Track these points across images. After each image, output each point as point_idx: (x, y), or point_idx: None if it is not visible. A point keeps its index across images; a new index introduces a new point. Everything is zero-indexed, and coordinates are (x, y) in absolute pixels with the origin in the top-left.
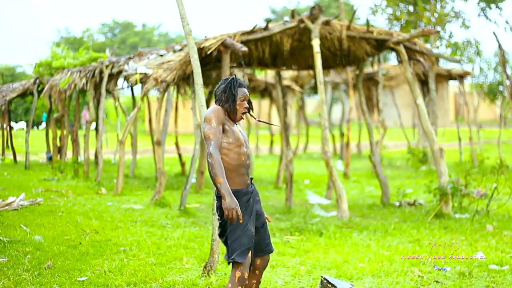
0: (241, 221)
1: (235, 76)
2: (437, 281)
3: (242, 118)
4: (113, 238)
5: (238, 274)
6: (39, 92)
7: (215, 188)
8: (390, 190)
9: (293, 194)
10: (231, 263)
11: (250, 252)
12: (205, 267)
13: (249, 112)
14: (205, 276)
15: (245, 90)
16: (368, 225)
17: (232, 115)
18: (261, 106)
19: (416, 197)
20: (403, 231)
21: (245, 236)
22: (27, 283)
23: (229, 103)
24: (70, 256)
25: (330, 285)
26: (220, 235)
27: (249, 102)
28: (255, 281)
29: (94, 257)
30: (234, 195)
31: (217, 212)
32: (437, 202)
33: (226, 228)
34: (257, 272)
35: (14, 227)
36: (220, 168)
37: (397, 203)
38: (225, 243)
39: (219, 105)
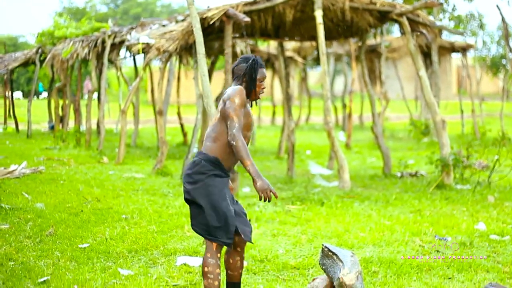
0: (276, 197)
1: (256, 56)
2: (437, 251)
3: (259, 98)
4: (115, 206)
5: (219, 246)
6: (41, 62)
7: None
8: (391, 161)
9: (294, 164)
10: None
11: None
12: None
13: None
14: None
15: (264, 71)
16: (369, 195)
17: (250, 95)
18: None
19: (418, 168)
20: (404, 201)
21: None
22: (29, 250)
23: (249, 83)
24: (71, 223)
25: (331, 254)
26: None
27: None
28: (239, 258)
29: (96, 224)
30: (218, 165)
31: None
32: (439, 173)
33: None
34: (238, 249)
35: (16, 195)
36: (246, 151)
37: (399, 174)
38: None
39: (238, 83)
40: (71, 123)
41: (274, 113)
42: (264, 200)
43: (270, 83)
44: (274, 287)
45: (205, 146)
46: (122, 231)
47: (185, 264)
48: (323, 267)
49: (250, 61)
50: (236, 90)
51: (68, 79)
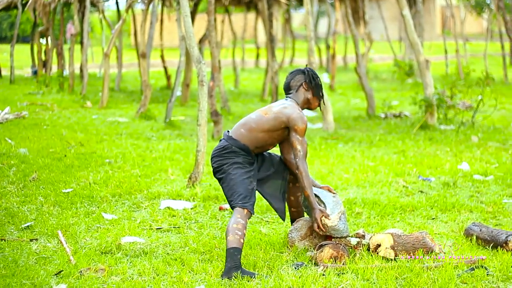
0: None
1: (311, 68)
2: (421, 191)
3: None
4: (98, 150)
5: (246, 211)
6: (24, 6)
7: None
8: (375, 102)
9: None
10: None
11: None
12: (190, 178)
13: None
14: (190, 187)
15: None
16: (353, 137)
17: (311, 105)
18: (246, 19)
19: (402, 109)
20: (388, 142)
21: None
22: (12, 195)
23: (315, 91)
24: (55, 168)
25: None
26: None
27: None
28: (300, 194)
29: (79, 169)
30: (242, 151)
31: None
32: (423, 113)
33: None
34: (297, 184)
35: None
36: (309, 181)
37: (383, 115)
38: (230, 196)
39: (296, 96)
40: (54, 68)
41: (257, 55)
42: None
43: (254, 24)
44: (258, 229)
45: (239, 132)
46: (105, 176)
47: (168, 208)
48: (306, 210)
49: (312, 73)
50: (303, 119)
51: (50, 23)
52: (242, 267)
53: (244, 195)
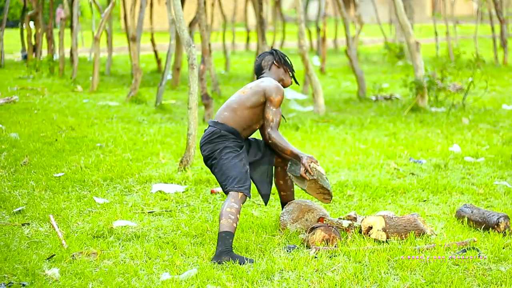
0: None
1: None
2: (412, 173)
3: (290, 84)
4: (89, 134)
5: (241, 194)
6: None
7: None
8: (366, 84)
9: None
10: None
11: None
12: (181, 161)
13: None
14: (181, 170)
15: None
16: (344, 119)
17: (285, 82)
18: (236, 2)
19: (392, 91)
20: (379, 125)
21: (239, 166)
22: (3, 180)
23: (287, 72)
24: (46, 152)
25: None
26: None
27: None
28: (288, 177)
29: (70, 153)
30: (231, 134)
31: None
32: (413, 96)
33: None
34: (285, 167)
35: None
36: (286, 142)
37: (373, 98)
38: (224, 181)
39: (270, 75)
40: (44, 52)
41: (248, 38)
42: (312, 167)
43: (244, 8)
44: (250, 212)
45: (223, 116)
46: (97, 160)
47: (160, 191)
48: (294, 175)
49: (275, 51)
50: (280, 90)
51: (40, 7)
52: (234, 251)
53: (239, 178)
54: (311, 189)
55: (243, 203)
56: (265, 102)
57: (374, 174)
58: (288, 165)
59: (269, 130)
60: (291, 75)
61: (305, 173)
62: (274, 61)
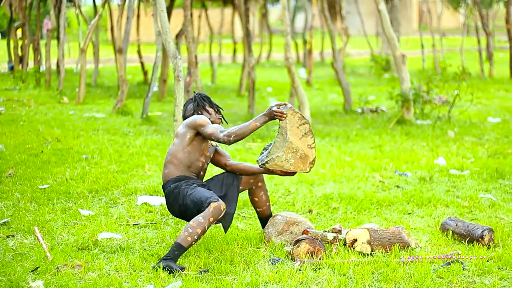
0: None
1: (198, 93)
2: (397, 186)
3: (220, 122)
4: (75, 146)
5: (213, 204)
6: (0, 1)
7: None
8: (352, 97)
9: (255, 102)
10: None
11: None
12: None
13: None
14: None
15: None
16: (330, 132)
17: (213, 120)
18: (223, 14)
19: (378, 104)
20: (365, 137)
21: (201, 189)
22: None
23: (207, 111)
24: (31, 164)
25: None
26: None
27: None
28: (262, 193)
29: (56, 165)
30: (181, 180)
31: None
32: (399, 108)
33: (187, 207)
34: (259, 184)
35: None
36: (241, 126)
37: (359, 110)
38: (198, 210)
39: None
40: (31, 63)
41: (234, 50)
42: (281, 115)
43: (231, 20)
44: (235, 225)
45: (164, 174)
46: (82, 171)
47: (145, 204)
48: (266, 160)
49: (195, 97)
50: (196, 116)
51: (27, 18)
52: (218, 264)
53: (206, 195)
54: (294, 141)
55: (217, 216)
56: (193, 135)
57: (359, 186)
58: (258, 160)
59: (220, 136)
60: (219, 114)
61: (278, 108)
62: (196, 109)
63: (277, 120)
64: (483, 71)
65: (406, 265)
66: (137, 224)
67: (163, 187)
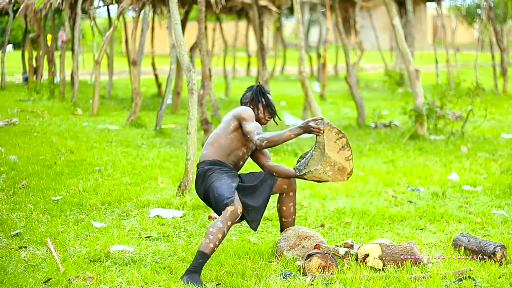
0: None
1: (259, 83)
2: (410, 201)
3: (267, 121)
4: (88, 158)
5: (230, 208)
6: (15, 12)
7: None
8: (365, 111)
9: None
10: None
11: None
12: (179, 186)
13: (273, 117)
14: (180, 195)
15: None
16: None
17: (261, 119)
18: (238, 27)
19: (392, 118)
20: (378, 152)
21: (226, 183)
22: (2, 202)
23: (257, 108)
24: (45, 175)
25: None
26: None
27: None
28: (292, 204)
29: (69, 176)
30: (216, 164)
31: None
32: (412, 123)
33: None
34: (291, 194)
35: None
36: (276, 132)
37: (373, 125)
38: (216, 205)
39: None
40: (45, 75)
41: (249, 63)
42: (317, 129)
43: (245, 33)
44: (247, 238)
45: (202, 154)
46: (95, 183)
47: (158, 216)
48: (304, 168)
49: (255, 87)
50: (244, 108)
51: (42, 30)
52: (229, 277)
53: (226, 193)
54: (332, 155)
55: (234, 219)
56: (236, 126)
57: (372, 201)
58: (296, 163)
59: (255, 138)
60: (269, 114)
61: (315, 124)
62: (250, 101)
63: (314, 135)
64: (497, 86)
65: (417, 280)
66: (149, 236)
67: (197, 165)
